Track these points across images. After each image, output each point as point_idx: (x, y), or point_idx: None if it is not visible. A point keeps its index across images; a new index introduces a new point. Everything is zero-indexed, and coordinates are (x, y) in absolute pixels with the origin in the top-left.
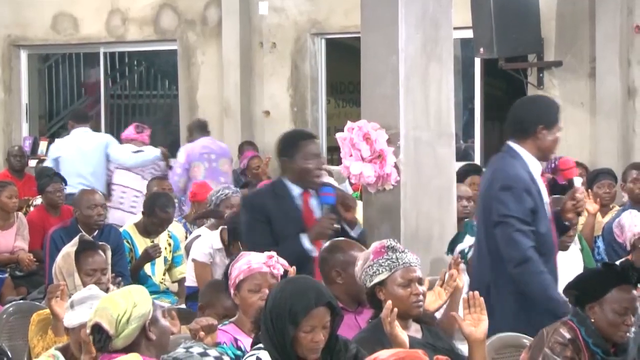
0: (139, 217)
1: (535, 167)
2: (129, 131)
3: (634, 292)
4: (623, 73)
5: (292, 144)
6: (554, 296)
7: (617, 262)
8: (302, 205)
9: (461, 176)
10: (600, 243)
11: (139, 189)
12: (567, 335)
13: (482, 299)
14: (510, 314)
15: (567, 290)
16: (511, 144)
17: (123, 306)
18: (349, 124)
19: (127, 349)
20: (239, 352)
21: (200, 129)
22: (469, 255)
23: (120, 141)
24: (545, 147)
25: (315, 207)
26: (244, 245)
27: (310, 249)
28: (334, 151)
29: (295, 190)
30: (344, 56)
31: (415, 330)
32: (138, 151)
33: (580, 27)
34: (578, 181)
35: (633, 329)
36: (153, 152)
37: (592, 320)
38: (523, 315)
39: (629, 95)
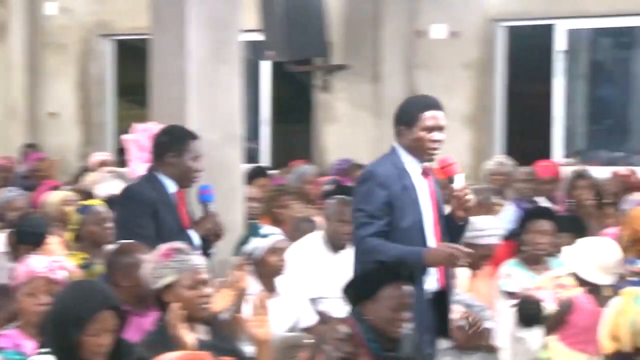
0: None
1: (411, 164)
2: None
3: (407, 288)
4: (406, 76)
5: (181, 140)
6: (399, 254)
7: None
8: (177, 202)
9: (249, 178)
10: None
11: None
12: (346, 331)
13: (268, 301)
14: None
15: (344, 289)
16: (394, 144)
17: None
18: (136, 125)
19: None
20: (19, 357)
21: None
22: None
23: None
24: (413, 145)
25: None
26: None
27: (198, 245)
28: (123, 153)
29: (171, 186)
30: (134, 58)
31: (203, 332)
32: None
33: (365, 31)
34: (459, 179)
35: (407, 325)
36: None
37: (369, 317)
38: None
39: None
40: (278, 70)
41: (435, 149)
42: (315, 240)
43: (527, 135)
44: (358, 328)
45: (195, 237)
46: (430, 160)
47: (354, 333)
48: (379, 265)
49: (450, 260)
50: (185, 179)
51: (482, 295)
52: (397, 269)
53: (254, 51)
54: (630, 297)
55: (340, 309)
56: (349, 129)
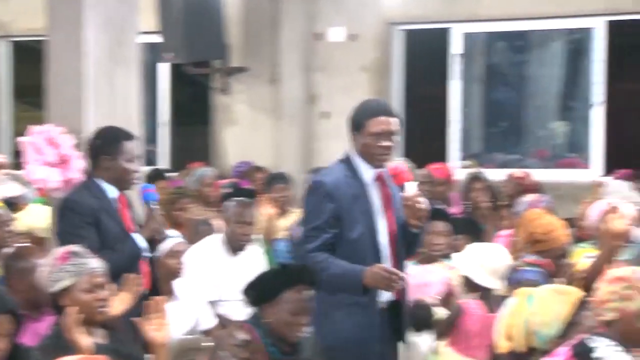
0: None
1: (365, 170)
2: None
3: (309, 292)
4: (304, 79)
5: (114, 143)
6: (340, 273)
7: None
8: (119, 207)
9: (148, 181)
10: (281, 245)
11: None
12: (243, 337)
13: (164, 305)
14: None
15: (245, 290)
16: (349, 149)
17: None
18: (32, 128)
19: None
20: None
21: None
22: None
23: None
24: (362, 150)
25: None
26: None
27: (145, 248)
28: (19, 156)
29: (111, 191)
30: (30, 59)
31: (101, 336)
32: None
33: (264, 34)
34: (411, 187)
35: (307, 329)
36: None
37: (269, 320)
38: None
39: (310, 101)
40: (176, 72)
41: (383, 155)
42: (214, 242)
43: (424, 137)
44: (256, 332)
45: (141, 240)
46: (381, 166)
47: (252, 338)
48: (280, 268)
49: (386, 284)
50: (123, 182)
51: None
52: (299, 272)
53: (152, 53)
54: (524, 297)
55: (239, 311)
56: (248, 132)
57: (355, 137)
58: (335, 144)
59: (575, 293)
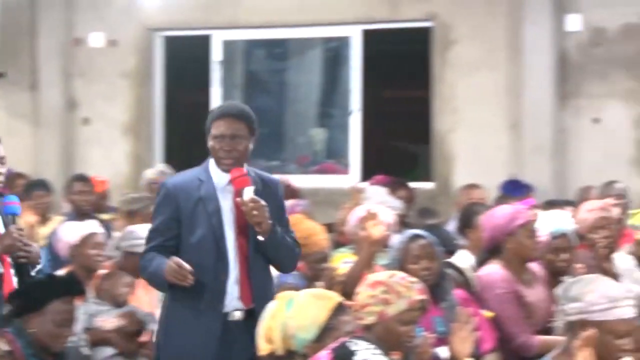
0: None
1: (217, 174)
2: None
3: (75, 303)
4: (64, 85)
5: None
6: (152, 271)
7: (60, 273)
8: None
9: None
10: (42, 253)
11: None
12: (3, 347)
13: None
14: None
15: (10, 299)
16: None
17: None
18: None
19: None
20: None
21: None
22: None
23: None
24: (211, 153)
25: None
26: None
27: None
28: None
29: None
30: None
31: None
32: None
33: (22, 40)
34: (248, 191)
35: (73, 338)
36: None
37: (32, 329)
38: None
39: (70, 107)
40: None
41: (223, 157)
42: None
43: (186, 143)
44: (17, 343)
45: None
46: (225, 169)
47: (13, 348)
48: (47, 278)
49: (177, 278)
50: None
51: (143, 303)
52: (66, 282)
53: None
54: (284, 301)
55: None
56: (7, 138)
57: (208, 140)
58: (96, 150)
59: (333, 298)
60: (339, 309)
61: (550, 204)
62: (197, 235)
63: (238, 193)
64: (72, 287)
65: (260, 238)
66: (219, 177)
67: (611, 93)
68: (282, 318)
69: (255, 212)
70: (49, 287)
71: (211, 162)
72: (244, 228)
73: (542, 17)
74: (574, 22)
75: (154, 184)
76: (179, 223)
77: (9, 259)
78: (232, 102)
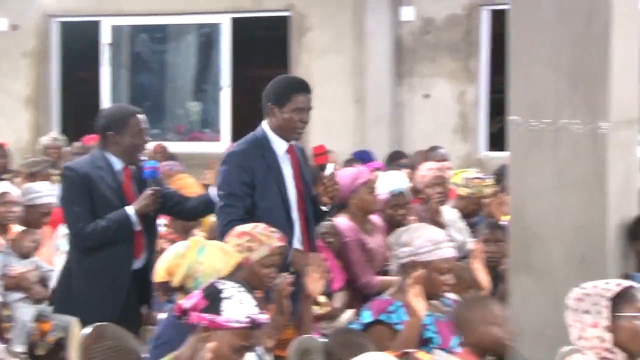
0: None
1: (279, 144)
2: None
3: None
4: None
5: (121, 119)
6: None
7: None
8: (124, 179)
9: None
10: None
11: None
12: None
13: None
14: None
15: None
16: (263, 123)
17: None
18: None
19: None
20: None
21: None
22: None
23: None
24: (280, 125)
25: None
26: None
27: (135, 221)
28: None
29: (117, 164)
30: None
31: None
32: None
33: None
34: (330, 167)
35: None
36: None
37: None
38: None
39: None
40: None
41: (302, 129)
42: None
43: (80, 115)
44: None
45: (131, 213)
46: (297, 139)
47: None
48: None
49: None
50: (129, 156)
51: (43, 255)
52: None
53: None
54: (196, 246)
55: None
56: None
57: (273, 111)
58: (1, 120)
59: (236, 256)
60: (238, 267)
61: (394, 158)
62: (268, 201)
63: (321, 168)
64: None
65: (324, 208)
66: (279, 145)
67: (439, 73)
68: (192, 261)
69: (335, 187)
70: None
71: (268, 130)
72: (302, 194)
73: (381, 8)
74: (408, 13)
75: (49, 149)
76: (252, 189)
77: None
78: (295, 76)
